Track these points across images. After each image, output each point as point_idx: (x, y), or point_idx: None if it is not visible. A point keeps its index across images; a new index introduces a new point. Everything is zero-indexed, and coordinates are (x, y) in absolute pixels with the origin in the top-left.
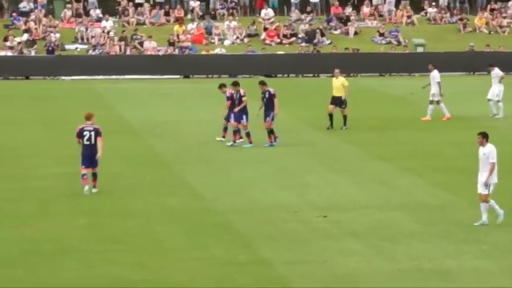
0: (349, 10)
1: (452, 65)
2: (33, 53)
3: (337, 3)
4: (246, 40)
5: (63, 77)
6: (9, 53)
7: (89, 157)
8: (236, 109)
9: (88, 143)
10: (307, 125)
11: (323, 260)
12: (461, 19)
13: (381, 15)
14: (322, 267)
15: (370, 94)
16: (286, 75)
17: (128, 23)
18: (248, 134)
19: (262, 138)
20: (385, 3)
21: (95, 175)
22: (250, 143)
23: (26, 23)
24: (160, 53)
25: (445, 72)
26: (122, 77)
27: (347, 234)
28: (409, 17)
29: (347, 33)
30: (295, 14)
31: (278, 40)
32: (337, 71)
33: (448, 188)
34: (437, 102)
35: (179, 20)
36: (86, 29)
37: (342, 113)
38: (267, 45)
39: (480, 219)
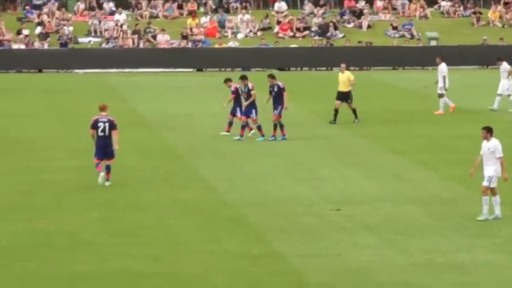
0: (362, 3)
1: (465, 59)
2: (46, 46)
3: None
4: (259, 33)
5: (76, 70)
6: (23, 46)
7: (103, 148)
8: (246, 103)
9: (102, 134)
10: (320, 118)
11: (336, 253)
12: (474, 12)
13: (394, 9)
14: (335, 260)
15: (383, 88)
16: (299, 68)
17: (141, 16)
18: (259, 128)
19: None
20: None
21: (108, 168)
22: (263, 135)
23: (39, 16)
24: (174, 46)
25: (458, 65)
26: (135, 70)
27: (360, 227)
28: (422, 10)
29: (360, 26)
30: (308, 7)
31: (291, 33)
32: (343, 65)
33: (461, 181)
34: (440, 95)
35: (192, 13)
36: (99, 22)
37: (350, 107)
38: (280, 39)
39: (493, 213)
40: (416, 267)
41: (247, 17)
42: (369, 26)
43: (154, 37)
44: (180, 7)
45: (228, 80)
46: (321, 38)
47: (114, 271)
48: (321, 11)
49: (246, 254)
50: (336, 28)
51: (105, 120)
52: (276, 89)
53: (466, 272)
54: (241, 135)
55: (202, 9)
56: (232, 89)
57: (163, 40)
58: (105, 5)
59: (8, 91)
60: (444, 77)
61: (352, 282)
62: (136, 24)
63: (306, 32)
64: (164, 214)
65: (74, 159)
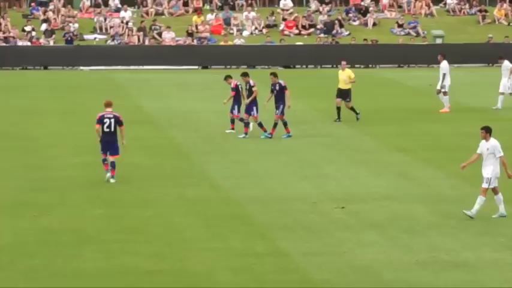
0: (368, 1)
1: (471, 57)
2: (51, 43)
3: None
4: (264, 31)
5: (81, 67)
6: (28, 43)
7: (108, 143)
8: (247, 100)
9: (108, 130)
10: (325, 116)
11: (341, 251)
12: (480, 10)
13: (400, 7)
14: (340, 258)
15: (388, 85)
16: (304, 66)
17: (147, 13)
18: (260, 125)
19: (279, 130)
20: None
21: (113, 164)
22: (265, 131)
23: (44, 13)
24: (179, 44)
25: (464, 64)
26: (140, 67)
27: (365, 225)
28: (428, 8)
29: (366, 24)
30: (314, 4)
31: (297, 31)
32: (343, 63)
33: (467, 180)
34: (438, 91)
35: (198, 11)
36: (105, 19)
37: (347, 106)
38: (286, 36)
39: (497, 211)
40: (421, 265)
41: (252, 14)
42: (374, 24)
43: (159, 34)
44: (185, 4)
45: (228, 77)
46: (326, 35)
47: (119, 268)
48: (327, 8)
49: (250, 251)
50: (341, 26)
51: (111, 116)
52: (277, 88)
53: (470, 270)
54: (246, 133)
55: (207, 7)
56: (232, 85)
57: (169, 37)
58: (110, 2)
59: (14, 88)
60: (444, 75)
61: (356, 280)
62: (142, 22)
63: (312, 30)
64: (169, 212)
65: (79, 156)
